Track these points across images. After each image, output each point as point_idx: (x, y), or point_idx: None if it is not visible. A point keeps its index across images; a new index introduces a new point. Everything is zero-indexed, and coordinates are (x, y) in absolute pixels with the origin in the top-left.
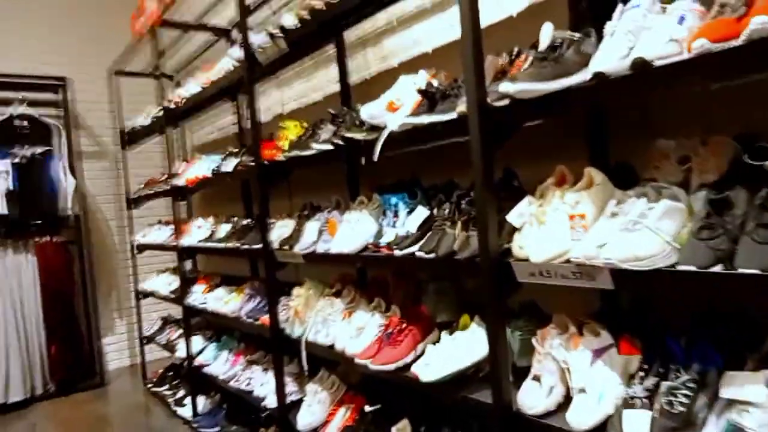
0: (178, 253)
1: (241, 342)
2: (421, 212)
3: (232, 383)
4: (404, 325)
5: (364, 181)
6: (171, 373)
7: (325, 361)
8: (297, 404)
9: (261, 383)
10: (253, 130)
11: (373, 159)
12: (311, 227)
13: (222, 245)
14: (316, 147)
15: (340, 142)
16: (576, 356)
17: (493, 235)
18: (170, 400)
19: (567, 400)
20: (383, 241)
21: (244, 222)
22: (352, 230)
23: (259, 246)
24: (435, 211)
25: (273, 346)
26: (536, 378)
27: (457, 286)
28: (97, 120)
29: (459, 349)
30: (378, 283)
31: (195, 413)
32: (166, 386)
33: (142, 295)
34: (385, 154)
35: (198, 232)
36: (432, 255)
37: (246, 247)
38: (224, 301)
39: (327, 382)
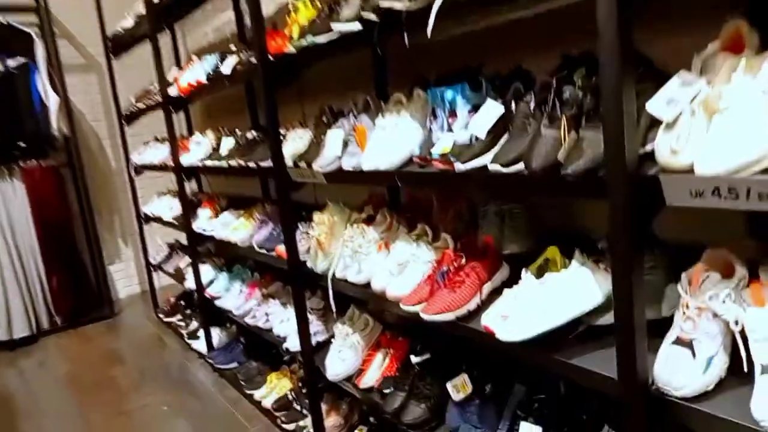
0: (176, 174)
1: (255, 271)
2: (494, 108)
3: (248, 319)
4: (463, 261)
5: (394, 80)
6: (183, 302)
7: (357, 299)
8: (324, 346)
9: (280, 320)
10: (254, 22)
11: (426, 35)
12: (334, 137)
13: (224, 164)
14: (339, 28)
15: (373, 17)
16: (759, 316)
17: (631, 136)
18: (183, 331)
19: (731, 375)
20: (436, 151)
21: (250, 135)
22: (389, 139)
23: (268, 163)
24: (513, 106)
25: (292, 282)
26: (683, 343)
27: (527, 207)
28: (80, 26)
29: (553, 296)
30: (417, 205)
31: (210, 347)
32: (178, 316)
33: (145, 219)
34: (428, 38)
35: (197, 149)
36: (517, 168)
37: (252, 165)
38: (232, 228)
39: (359, 321)
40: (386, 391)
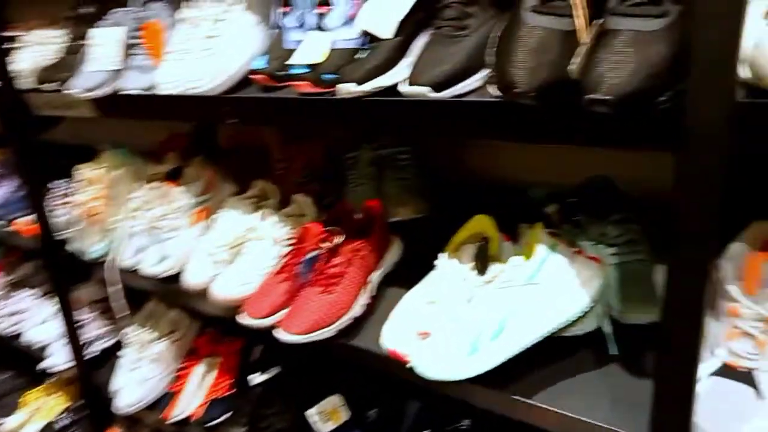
0: None
1: None
2: None
3: None
4: (338, 239)
5: None
6: None
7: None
8: (110, 354)
9: (40, 321)
10: None
11: None
12: (106, 41)
13: None
14: None
15: None
16: None
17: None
18: None
19: None
20: (299, 61)
21: None
22: (206, 42)
23: None
24: None
25: (51, 272)
26: (736, 374)
27: (415, 152)
28: None
29: (514, 303)
30: (244, 151)
31: None
32: None
33: None
34: None
35: None
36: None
37: None
38: None
39: (163, 321)
40: (212, 423)
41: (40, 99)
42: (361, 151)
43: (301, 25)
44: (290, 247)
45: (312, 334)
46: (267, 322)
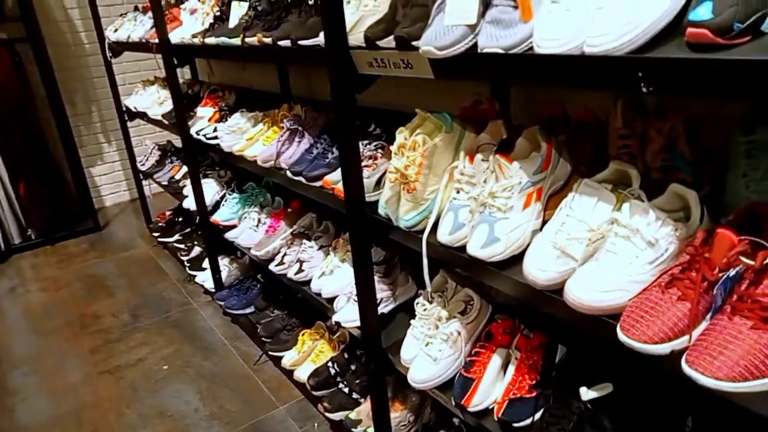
0: (162, 55)
1: (276, 195)
2: None
3: (273, 267)
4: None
5: None
6: (180, 219)
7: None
8: (390, 319)
9: (321, 272)
10: None
11: None
12: None
13: (236, 42)
14: None
15: None
16: None
17: None
18: (184, 258)
19: None
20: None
21: None
22: None
23: (317, 41)
24: None
25: (355, 235)
26: None
27: None
28: None
29: None
30: (575, 122)
31: (218, 284)
32: (177, 237)
33: (128, 115)
34: None
35: (191, 20)
36: None
37: (286, 43)
38: (248, 139)
39: (455, 298)
40: (521, 424)
41: (369, 57)
42: (765, 134)
43: None
44: (681, 254)
45: (744, 384)
46: (663, 349)
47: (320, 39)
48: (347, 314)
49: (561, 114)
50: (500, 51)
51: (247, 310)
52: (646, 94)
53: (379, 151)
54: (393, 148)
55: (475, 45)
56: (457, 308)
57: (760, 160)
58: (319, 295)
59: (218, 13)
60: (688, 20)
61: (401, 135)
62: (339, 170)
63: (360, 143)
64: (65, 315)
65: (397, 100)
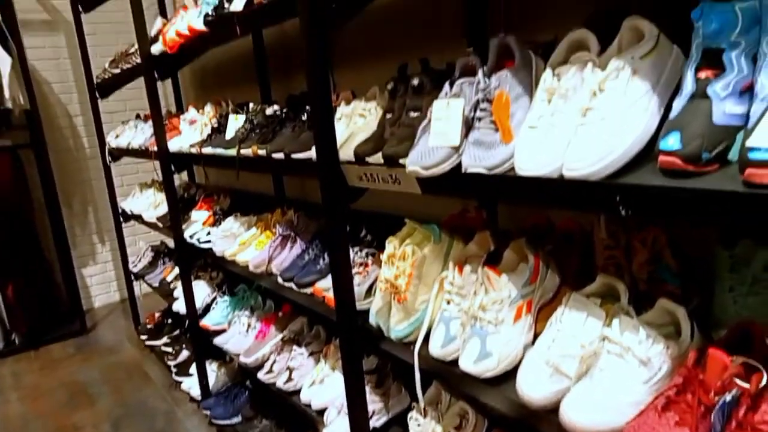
0: (161, 162)
1: (267, 298)
2: None
3: (262, 375)
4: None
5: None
6: (170, 320)
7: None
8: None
9: (311, 381)
10: None
11: None
12: (445, 113)
13: (231, 153)
14: None
15: None
16: None
17: None
18: (171, 363)
19: None
20: (761, 146)
21: (270, 110)
22: (580, 118)
23: (308, 154)
24: None
25: (345, 344)
26: None
27: None
28: None
29: None
30: (558, 233)
31: (205, 391)
32: (165, 339)
33: (123, 216)
34: None
35: (190, 131)
36: None
37: (280, 156)
38: (240, 243)
39: (450, 412)
40: None
41: (358, 172)
42: (746, 248)
43: (742, 94)
44: (675, 373)
45: None
46: None
47: (312, 153)
48: (338, 429)
49: (545, 223)
50: (484, 171)
51: (234, 420)
52: (625, 216)
53: (370, 258)
54: (383, 256)
55: (459, 165)
56: (452, 423)
57: (743, 274)
58: (309, 406)
59: (216, 125)
60: (659, 149)
61: (391, 244)
62: (330, 277)
63: (351, 249)
64: (44, 428)
65: (389, 203)
